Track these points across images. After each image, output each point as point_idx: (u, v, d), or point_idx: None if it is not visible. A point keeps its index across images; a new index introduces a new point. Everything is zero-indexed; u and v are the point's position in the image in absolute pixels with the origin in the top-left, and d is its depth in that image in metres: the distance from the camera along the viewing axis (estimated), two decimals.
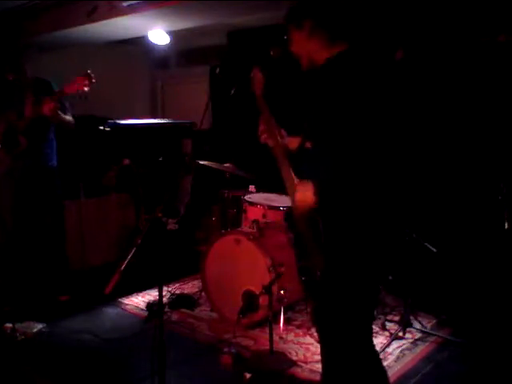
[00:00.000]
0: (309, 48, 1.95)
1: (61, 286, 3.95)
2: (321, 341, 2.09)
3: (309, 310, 3.71)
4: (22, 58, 3.70)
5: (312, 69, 1.99)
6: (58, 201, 3.89)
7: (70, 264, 4.10)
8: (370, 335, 2.01)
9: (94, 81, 3.43)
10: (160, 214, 2.24)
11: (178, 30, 4.96)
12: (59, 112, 3.59)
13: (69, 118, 3.77)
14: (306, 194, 1.89)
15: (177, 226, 4.82)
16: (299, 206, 1.94)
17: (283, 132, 2.27)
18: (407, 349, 3.21)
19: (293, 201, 2.03)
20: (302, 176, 2.04)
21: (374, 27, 4.00)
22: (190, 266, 4.40)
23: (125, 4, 4.12)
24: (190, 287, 4.34)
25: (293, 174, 2.10)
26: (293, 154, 2.15)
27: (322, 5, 1.94)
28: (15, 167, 3.68)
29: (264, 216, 3.76)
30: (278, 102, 2.42)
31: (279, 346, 3.24)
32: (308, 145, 2.04)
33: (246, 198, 3.99)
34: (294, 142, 2.19)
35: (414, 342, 3.29)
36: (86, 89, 3.42)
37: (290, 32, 1.98)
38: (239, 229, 3.85)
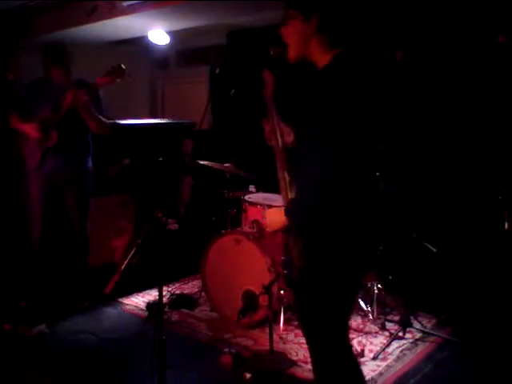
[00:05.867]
0: (308, 44, 1.89)
1: (80, 291, 3.91)
2: (305, 337, 2.08)
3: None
4: (66, 57, 3.68)
5: (299, 62, 1.95)
6: (85, 202, 3.86)
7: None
8: (345, 335, 1.99)
9: (125, 73, 3.47)
10: (160, 214, 2.25)
11: (178, 30, 4.96)
12: (92, 110, 3.59)
13: (103, 119, 3.74)
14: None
15: (177, 225, 4.81)
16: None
17: (288, 128, 2.24)
18: (407, 349, 3.21)
19: (285, 201, 2.04)
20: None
21: (374, 28, 4.00)
22: (190, 266, 4.40)
23: (125, 4, 4.11)
24: (190, 287, 4.34)
25: (286, 176, 2.09)
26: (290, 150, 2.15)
27: (334, 6, 1.89)
28: (45, 163, 3.69)
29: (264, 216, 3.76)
30: (283, 99, 2.39)
31: (279, 346, 3.24)
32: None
33: (245, 198, 3.99)
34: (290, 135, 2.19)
35: (414, 342, 3.29)
36: (118, 80, 3.47)
37: (292, 18, 1.89)
38: (239, 229, 3.85)
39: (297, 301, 2.02)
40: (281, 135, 2.21)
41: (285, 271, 2.00)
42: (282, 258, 2.05)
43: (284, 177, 2.08)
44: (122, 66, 3.44)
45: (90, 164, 3.89)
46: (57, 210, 3.82)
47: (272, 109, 2.21)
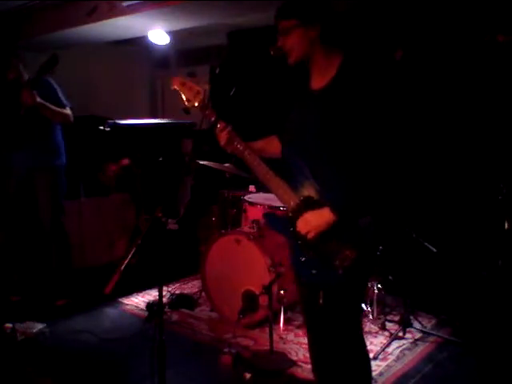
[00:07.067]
0: (312, 48, 1.92)
1: (59, 289, 3.93)
2: (317, 339, 2.06)
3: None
4: (16, 58, 3.72)
5: (299, 64, 1.96)
6: (58, 200, 3.89)
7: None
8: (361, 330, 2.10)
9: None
10: (160, 214, 2.24)
11: (178, 30, 4.95)
12: (44, 102, 3.58)
13: (65, 111, 3.77)
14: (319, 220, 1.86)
15: (177, 226, 4.82)
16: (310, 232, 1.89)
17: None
18: (407, 349, 3.21)
19: (286, 203, 2.00)
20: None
21: (374, 28, 4.00)
22: (190, 266, 4.40)
23: (125, 4, 4.11)
24: (190, 287, 4.34)
25: (273, 174, 2.02)
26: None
27: (335, 17, 1.92)
28: (12, 161, 3.75)
29: None
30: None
31: (279, 346, 3.24)
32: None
33: (245, 198, 3.99)
34: (273, 142, 2.17)
35: (414, 342, 3.29)
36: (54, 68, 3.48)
37: (294, 28, 1.88)
38: (239, 229, 3.85)
39: (327, 302, 1.91)
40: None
41: (313, 271, 1.92)
42: (302, 258, 1.97)
43: (276, 179, 2.03)
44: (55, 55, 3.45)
45: (60, 161, 3.89)
46: (32, 209, 3.86)
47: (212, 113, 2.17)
